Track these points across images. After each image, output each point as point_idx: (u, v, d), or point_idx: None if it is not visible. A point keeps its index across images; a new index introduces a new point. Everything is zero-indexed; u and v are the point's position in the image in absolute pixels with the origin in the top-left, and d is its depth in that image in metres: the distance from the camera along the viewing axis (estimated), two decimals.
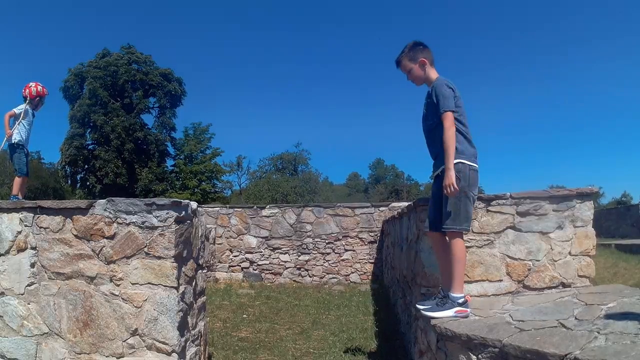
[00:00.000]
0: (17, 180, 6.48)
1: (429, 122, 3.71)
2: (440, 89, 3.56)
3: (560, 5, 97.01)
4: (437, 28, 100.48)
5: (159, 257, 3.45)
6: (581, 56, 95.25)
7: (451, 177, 3.34)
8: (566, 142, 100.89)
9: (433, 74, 3.76)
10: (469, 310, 3.45)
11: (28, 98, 6.51)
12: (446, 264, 3.58)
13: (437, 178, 3.62)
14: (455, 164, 3.40)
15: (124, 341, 3.51)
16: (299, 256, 11.09)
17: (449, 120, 3.44)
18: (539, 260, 4.11)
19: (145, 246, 3.47)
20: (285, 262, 11.12)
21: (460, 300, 3.45)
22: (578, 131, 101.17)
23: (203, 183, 42.73)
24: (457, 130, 3.50)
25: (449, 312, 3.42)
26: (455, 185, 3.33)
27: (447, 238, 3.56)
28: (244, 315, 7.20)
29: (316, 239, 11.08)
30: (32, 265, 3.74)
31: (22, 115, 6.40)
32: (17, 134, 6.42)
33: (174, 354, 3.44)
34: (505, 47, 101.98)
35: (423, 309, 3.58)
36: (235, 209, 11.59)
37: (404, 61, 3.86)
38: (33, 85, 6.57)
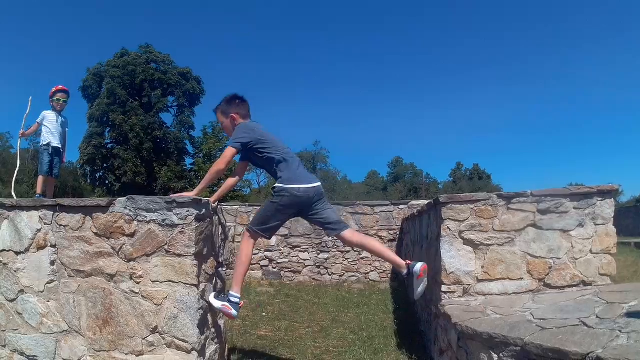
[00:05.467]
0: (39, 179, 6.59)
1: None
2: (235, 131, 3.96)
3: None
4: (453, 21, 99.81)
5: (179, 255, 3.42)
6: (598, 52, 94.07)
7: (184, 194, 3.55)
8: (584, 139, 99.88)
9: None
10: (233, 311, 3.68)
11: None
12: None
13: None
14: (274, 187, 3.80)
15: (144, 339, 3.49)
16: (319, 254, 11.05)
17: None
18: (560, 259, 4.08)
19: (166, 244, 3.45)
20: (304, 260, 11.09)
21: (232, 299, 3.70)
22: (595, 129, 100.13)
23: (222, 182, 42.82)
24: (281, 159, 3.82)
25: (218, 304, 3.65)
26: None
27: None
28: (264, 314, 7.17)
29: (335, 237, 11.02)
30: (52, 263, 3.75)
31: (42, 118, 6.62)
32: (41, 137, 6.66)
33: (194, 352, 3.41)
34: (519, 43, 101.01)
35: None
36: (255, 207, 11.57)
37: (217, 114, 4.22)
38: None
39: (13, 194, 6.83)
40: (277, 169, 3.80)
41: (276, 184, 3.76)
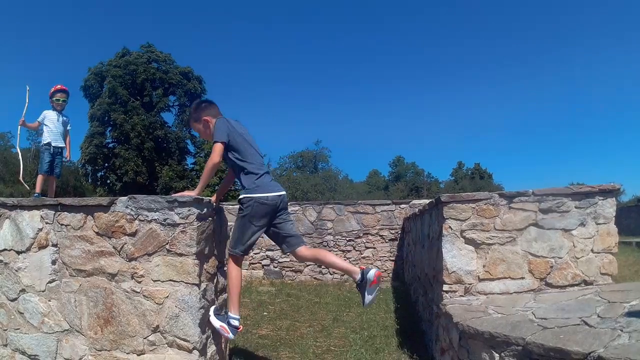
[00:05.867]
0: (38, 178, 6.60)
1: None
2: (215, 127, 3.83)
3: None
4: (459, 21, 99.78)
5: (181, 254, 3.42)
6: (598, 52, 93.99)
7: (185, 193, 3.57)
8: (585, 139, 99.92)
9: None
10: (230, 335, 3.69)
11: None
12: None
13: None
14: (240, 198, 3.75)
15: (145, 338, 3.49)
16: None
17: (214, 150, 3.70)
18: (561, 258, 4.07)
19: (167, 243, 3.45)
20: None
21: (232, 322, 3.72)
22: (596, 128, 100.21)
23: (223, 180, 42.87)
24: (250, 169, 3.78)
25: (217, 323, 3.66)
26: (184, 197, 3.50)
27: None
28: (265, 313, 7.18)
29: (337, 237, 11.02)
30: (53, 262, 3.75)
31: (43, 117, 6.66)
32: (42, 136, 6.70)
33: (195, 351, 3.41)
34: (519, 43, 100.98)
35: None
36: None
37: (191, 124, 4.21)
38: None
39: (21, 180, 6.93)
40: (245, 177, 3.78)
41: (242, 195, 3.74)
